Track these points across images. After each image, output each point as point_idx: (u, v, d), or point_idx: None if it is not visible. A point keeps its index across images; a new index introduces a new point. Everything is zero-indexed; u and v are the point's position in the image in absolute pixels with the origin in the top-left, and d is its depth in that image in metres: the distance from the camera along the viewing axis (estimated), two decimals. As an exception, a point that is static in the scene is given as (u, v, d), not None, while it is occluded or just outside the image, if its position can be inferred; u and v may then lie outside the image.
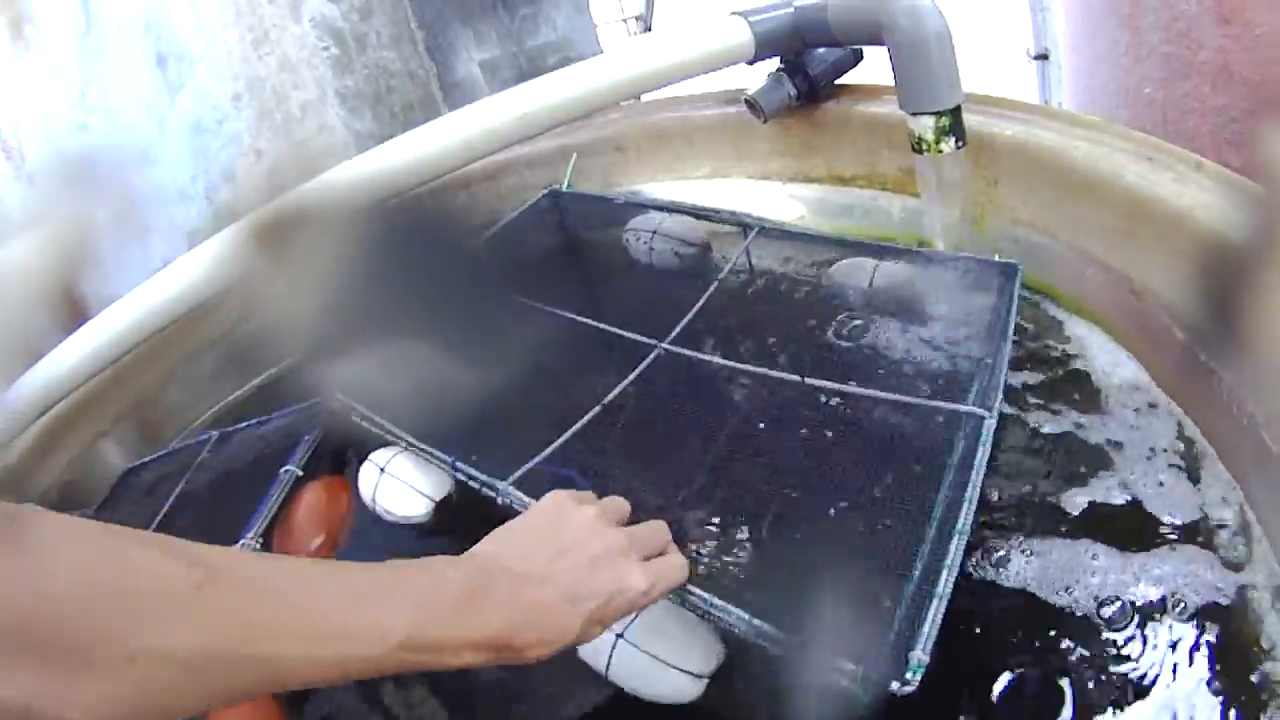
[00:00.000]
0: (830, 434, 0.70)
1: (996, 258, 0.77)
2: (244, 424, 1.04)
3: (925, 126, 0.78)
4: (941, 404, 0.65)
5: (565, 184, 1.07)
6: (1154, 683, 0.50)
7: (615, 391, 0.76)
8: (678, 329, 0.81)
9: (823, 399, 0.72)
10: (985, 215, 0.86)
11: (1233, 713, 0.48)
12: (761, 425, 0.73)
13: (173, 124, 2.35)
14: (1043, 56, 1.91)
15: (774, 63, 0.98)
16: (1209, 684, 0.49)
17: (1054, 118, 0.82)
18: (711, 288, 0.86)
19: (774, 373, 0.74)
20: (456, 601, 0.41)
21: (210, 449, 1.04)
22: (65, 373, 1.01)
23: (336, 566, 0.43)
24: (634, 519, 0.53)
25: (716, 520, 0.66)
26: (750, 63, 0.91)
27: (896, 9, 0.74)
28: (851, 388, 0.70)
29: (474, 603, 0.42)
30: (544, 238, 1.11)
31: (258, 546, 0.80)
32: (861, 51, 0.94)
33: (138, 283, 1.34)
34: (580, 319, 0.87)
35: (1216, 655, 0.50)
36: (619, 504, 0.54)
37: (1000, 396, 0.64)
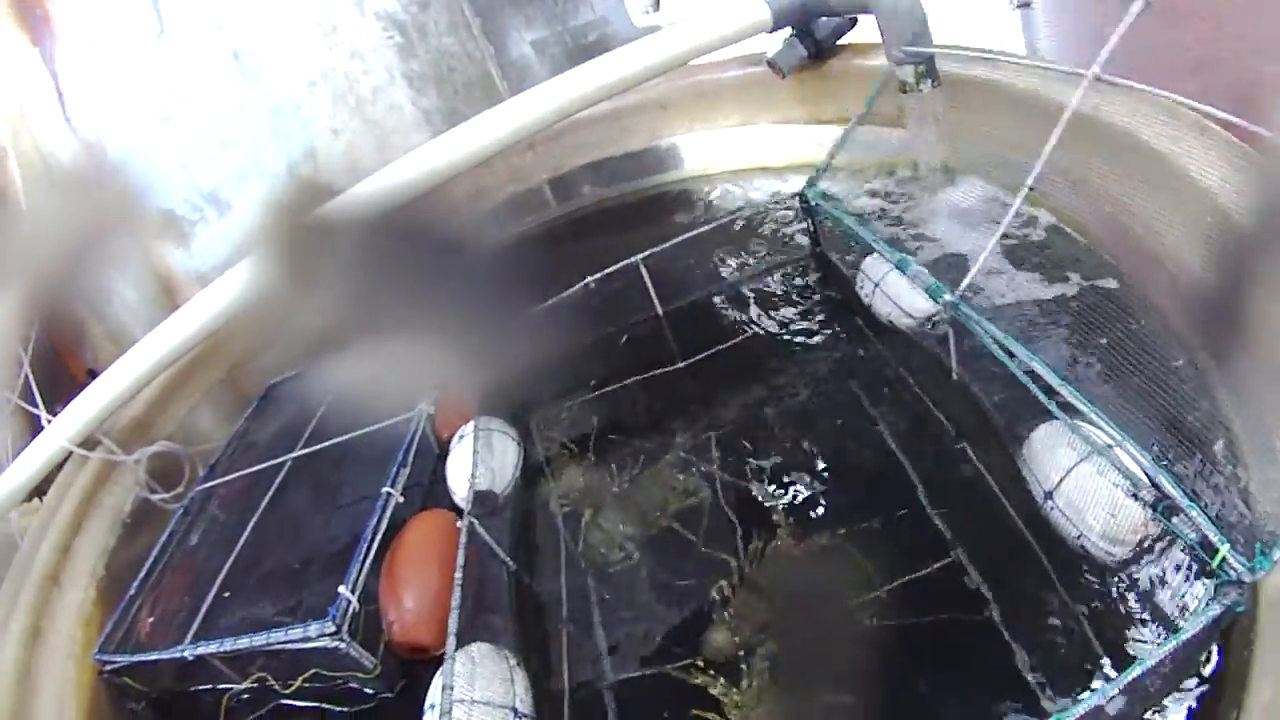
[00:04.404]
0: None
1: (1226, 550, 0.43)
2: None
3: (908, 73, 1.04)
4: None
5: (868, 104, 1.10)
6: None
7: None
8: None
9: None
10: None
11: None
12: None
13: (251, 109, 2.61)
14: (1025, 5, 2.14)
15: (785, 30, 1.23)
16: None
17: (1001, 58, 1.07)
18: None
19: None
20: None
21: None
22: (176, 345, 1.17)
23: None
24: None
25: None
26: (770, 32, 1.17)
27: (881, -14, 0.99)
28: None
29: None
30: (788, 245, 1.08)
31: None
32: (856, 17, 1.19)
33: (224, 250, 1.58)
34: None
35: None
36: None
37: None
